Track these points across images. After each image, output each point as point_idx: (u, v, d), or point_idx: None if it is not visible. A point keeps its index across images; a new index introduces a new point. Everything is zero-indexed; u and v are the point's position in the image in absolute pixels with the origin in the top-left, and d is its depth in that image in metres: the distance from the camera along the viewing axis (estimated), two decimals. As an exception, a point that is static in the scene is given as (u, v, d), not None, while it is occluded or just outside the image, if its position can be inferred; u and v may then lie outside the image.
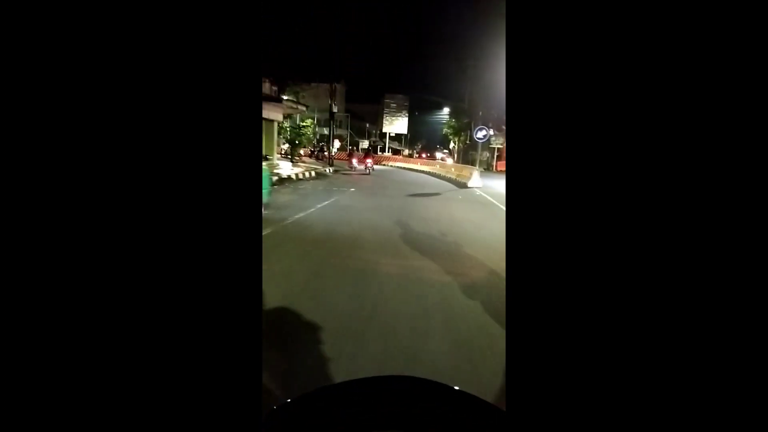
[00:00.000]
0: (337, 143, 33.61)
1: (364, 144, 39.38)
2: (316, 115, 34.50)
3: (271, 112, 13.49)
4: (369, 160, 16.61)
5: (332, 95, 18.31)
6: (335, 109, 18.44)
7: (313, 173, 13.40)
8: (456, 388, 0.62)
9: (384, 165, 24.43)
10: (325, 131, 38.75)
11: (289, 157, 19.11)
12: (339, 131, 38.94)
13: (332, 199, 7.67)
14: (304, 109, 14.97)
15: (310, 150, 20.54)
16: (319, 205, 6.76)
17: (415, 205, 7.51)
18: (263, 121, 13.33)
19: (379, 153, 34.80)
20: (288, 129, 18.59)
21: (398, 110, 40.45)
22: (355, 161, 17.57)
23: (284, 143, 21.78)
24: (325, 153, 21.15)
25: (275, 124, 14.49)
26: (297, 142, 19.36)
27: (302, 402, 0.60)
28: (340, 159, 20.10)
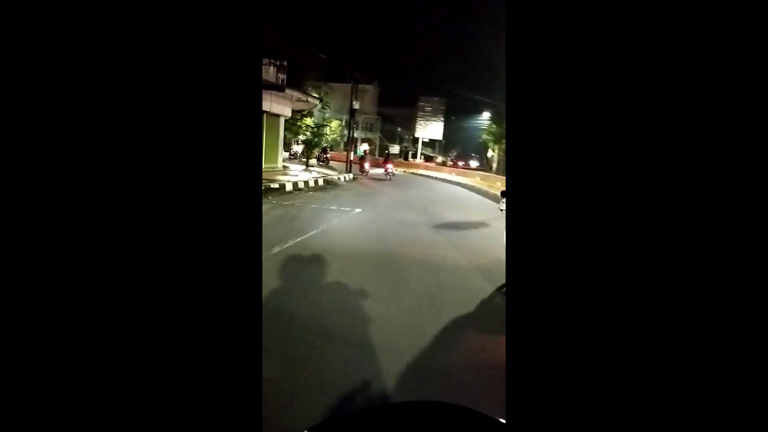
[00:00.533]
0: (365, 146, 31.18)
1: (395, 149, 36.83)
2: (344, 117, 32.45)
3: (275, 105, 10.86)
4: (390, 165, 14.49)
5: (354, 90, 15.46)
6: (357, 106, 15.58)
7: (320, 182, 10.61)
8: (501, 420, 0.59)
9: (413, 173, 21.32)
10: (355, 134, 36.69)
11: (305, 160, 16.59)
12: (369, 135, 36.62)
13: (313, 231, 4.65)
14: (316, 103, 12.22)
15: (317, 154, 17.98)
16: (276, 249, 3.75)
17: (450, 249, 4.27)
18: (263, 115, 10.78)
19: (410, 159, 31.79)
20: (308, 127, 16.12)
21: (433, 114, 37.27)
22: (367, 165, 15.22)
23: (298, 144, 19.39)
24: (327, 156, 18.71)
25: (281, 120, 11.88)
26: (315, 143, 16.83)
27: (328, 428, 0.59)
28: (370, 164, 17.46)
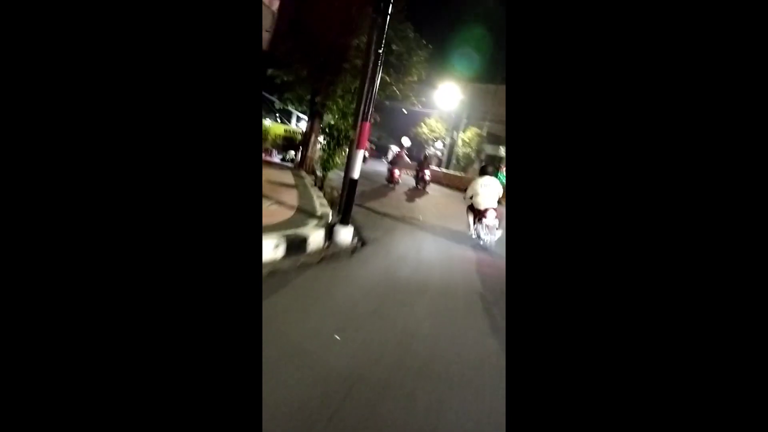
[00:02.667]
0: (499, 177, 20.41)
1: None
2: (464, 121, 22.68)
3: None
4: (427, 172, 11.12)
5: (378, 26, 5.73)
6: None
7: None
8: None
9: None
10: (498, 150, 26.05)
11: (319, 169, 8.46)
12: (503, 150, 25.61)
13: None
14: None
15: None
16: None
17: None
18: None
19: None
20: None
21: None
22: (397, 172, 11.15)
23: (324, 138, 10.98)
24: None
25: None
26: (344, 137, 8.22)
27: None
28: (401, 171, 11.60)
